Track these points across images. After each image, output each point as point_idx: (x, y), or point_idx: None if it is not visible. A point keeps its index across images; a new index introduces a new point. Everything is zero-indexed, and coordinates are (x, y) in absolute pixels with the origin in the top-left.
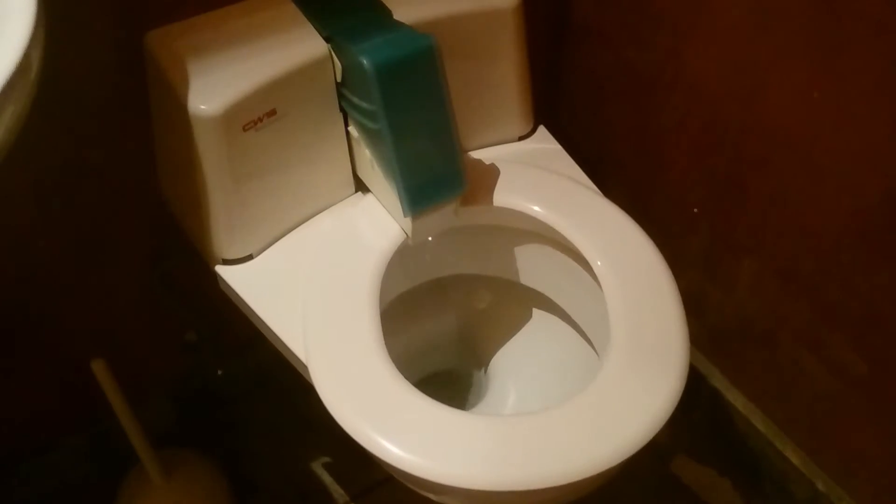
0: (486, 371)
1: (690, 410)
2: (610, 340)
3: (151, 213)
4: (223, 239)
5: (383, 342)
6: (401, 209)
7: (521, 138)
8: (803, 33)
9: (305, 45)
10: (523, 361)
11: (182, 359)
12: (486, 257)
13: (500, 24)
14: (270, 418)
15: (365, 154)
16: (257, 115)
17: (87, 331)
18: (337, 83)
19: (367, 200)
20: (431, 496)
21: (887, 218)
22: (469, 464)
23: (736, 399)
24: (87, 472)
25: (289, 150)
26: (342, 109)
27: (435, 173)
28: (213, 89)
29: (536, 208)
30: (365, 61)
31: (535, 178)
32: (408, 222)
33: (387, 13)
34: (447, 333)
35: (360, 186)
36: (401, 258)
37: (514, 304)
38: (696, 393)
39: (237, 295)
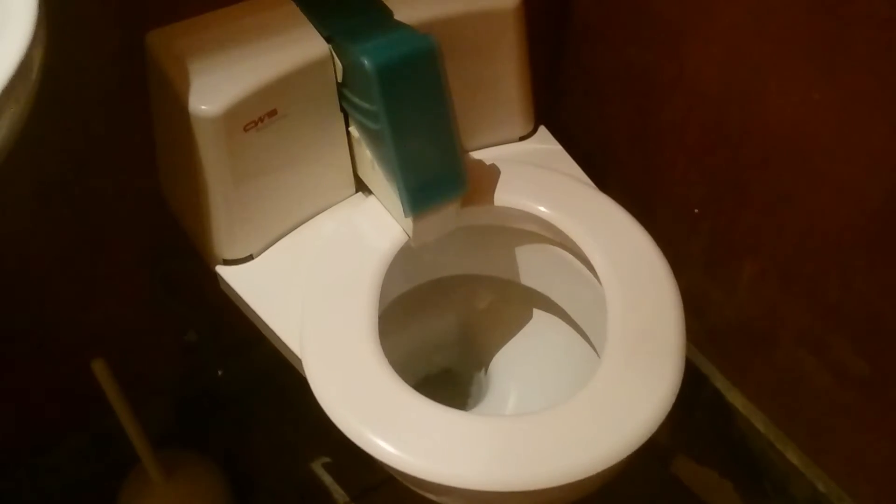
0: (486, 371)
1: (691, 411)
2: (607, 338)
3: (152, 213)
4: (223, 239)
5: (379, 343)
6: (402, 210)
7: (521, 138)
8: (804, 34)
9: (306, 46)
10: (524, 362)
11: (182, 359)
12: (486, 257)
13: (500, 25)
14: (271, 418)
15: (366, 154)
16: (258, 115)
17: (87, 331)
18: (338, 83)
19: (369, 201)
20: (432, 496)
21: (888, 219)
22: (467, 464)
23: (736, 400)
24: (87, 472)
25: (289, 150)
26: (343, 110)
27: (436, 174)
28: (213, 89)
29: (537, 207)
30: (366, 61)
31: (536, 178)
32: (409, 223)
33: (387, 13)
34: (448, 334)
35: (361, 187)
36: (401, 259)
37: (515, 304)
38: (696, 394)
39: (237, 295)
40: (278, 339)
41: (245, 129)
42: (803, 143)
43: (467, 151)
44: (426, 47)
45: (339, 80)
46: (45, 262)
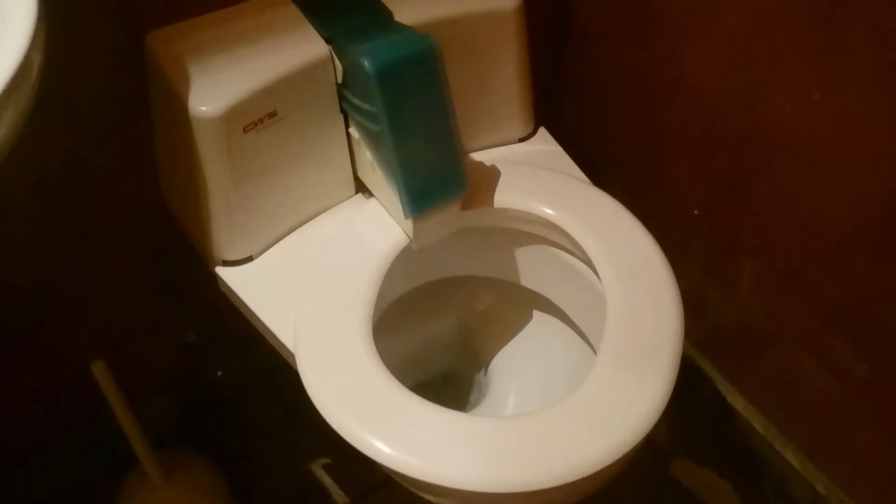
0: (486, 372)
1: (690, 412)
2: (603, 338)
3: (151, 214)
4: (223, 240)
5: (373, 343)
6: (402, 211)
7: (521, 140)
8: (804, 35)
9: (306, 47)
10: (523, 363)
11: (182, 360)
12: (486, 258)
13: (500, 26)
14: (270, 419)
15: (366, 155)
16: (258, 116)
17: (87, 332)
18: (338, 84)
19: (369, 202)
20: (430, 498)
21: (888, 220)
22: (463, 465)
23: (736, 401)
24: (86, 472)
25: (289, 151)
26: (343, 111)
27: (436, 175)
28: (213, 90)
29: (539, 207)
30: (366, 62)
31: (537, 178)
32: (409, 224)
33: (388, 14)
34: (447, 335)
35: (361, 188)
36: (401, 260)
37: (515, 305)
38: (696, 395)
39: (237, 296)
40: (277, 340)
41: (245, 131)
42: (804, 144)
43: (467, 153)
44: (426, 48)
45: (339, 81)
46: (44, 262)
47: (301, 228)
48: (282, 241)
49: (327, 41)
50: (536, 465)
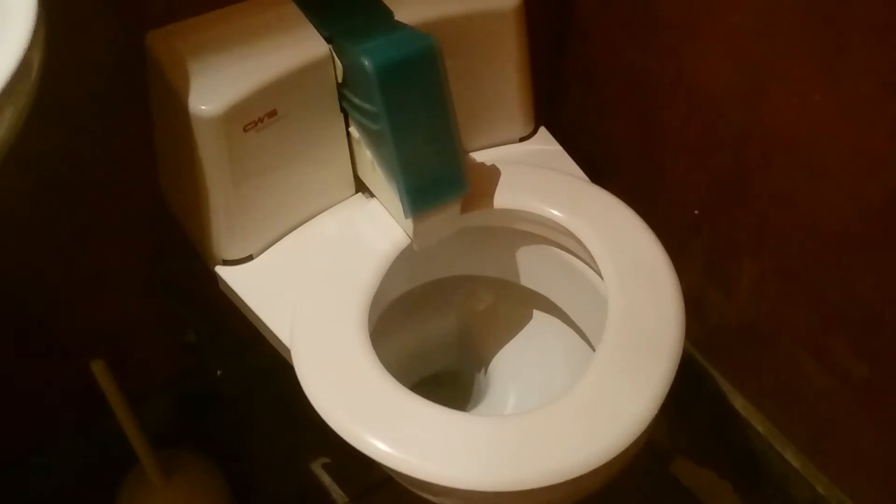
0: (486, 372)
1: (690, 412)
2: (603, 336)
3: (151, 214)
4: (223, 239)
5: (370, 342)
6: (402, 211)
7: (521, 139)
8: (804, 35)
9: (306, 46)
10: (523, 363)
11: (182, 359)
12: (486, 258)
13: (501, 25)
14: (270, 419)
15: (366, 155)
16: (258, 115)
17: (86, 331)
18: (338, 84)
19: (369, 202)
20: (429, 497)
21: (888, 220)
22: (459, 463)
23: (736, 401)
24: (86, 472)
25: (289, 150)
26: (343, 110)
27: (436, 174)
28: (213, 89)
29: (541, 207)
30: (366, 62)
31: (538, 178)
32: (409, 224)
33: (388, 14)
34: (447, 334)
35: (361, 187)
36: (401, 259)
37: (515, 305)
38: (696, 395)
39: (237, 296)
40: (277, 339)
41: (245, 130)
42: (804, 145)
43: (467, 152)
44: (426, 48)
45: (340, 80)
46: (44, 262)
47: (301, 228)
48: (282, 241)
49: (327, 40)
50: (533, 464)
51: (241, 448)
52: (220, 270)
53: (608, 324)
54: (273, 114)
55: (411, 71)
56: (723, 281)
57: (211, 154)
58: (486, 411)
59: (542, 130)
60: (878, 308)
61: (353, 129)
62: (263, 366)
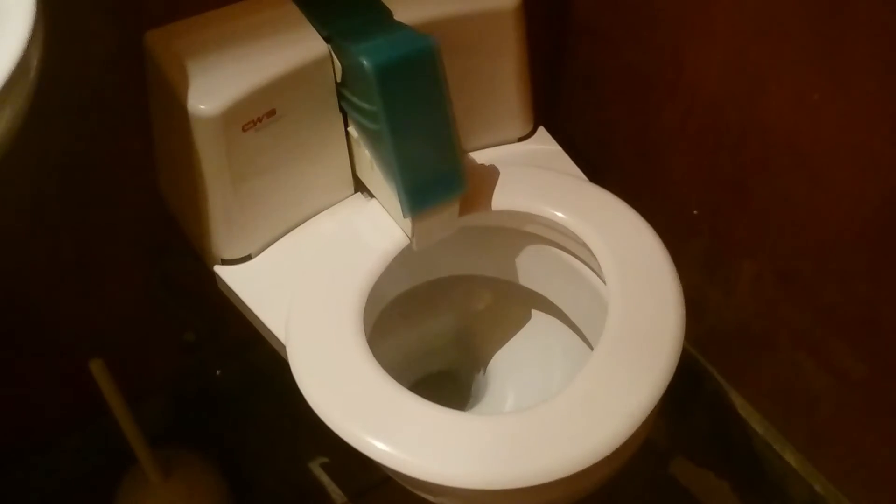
0: (484, 372)
1: (689, 412)
2: (602, 334)
3: (150, 213)
4: (222, 239)
5: (365, 340)
6: (401, 210)
7: (520, 139)
8: (804, 35)
9: (305, 46)
10: (522, 363)
11: (181, 359)
12: (485, 258)
13: (500, 25)
14: (269, 418)
15: (365, 154)
16: (257, 115)
17: (85, 330)
18: (337, 83)
19: (368, 202)
20: (428, 497)
21: (887, 220)
22: (457, 462)
23: (734, 401)
24: (84, 471)
25: (288, 150)
26: (342, 110)
27: (435, 174)
28: (212, 89)
29: (540, 207)
30: (365, 62)
31: (537, 178)
32: (408, 224)
33: (387, 13)
34: (446, 334)
35: (360, 187)
36: (399, 259)
37: (514, 305)
38: (694, 395)
39: (235, 295)
40: (276, 339)
41: (244, 129)
42: (802, 145)
43: (466, 152)
44: (426, 47)
45: (339, 80)
46: (43, 261)
47: (300, 227)
48: (280, 240)
49: (326, 40)
50: (530, 462)
51: (239, 447)
52: (219, 270)
53: (608, 321)
54: (272, 113)
55: (410, 71)
56: (722, 281)
57: (210, 154)
58: (485, 411)
59: (541, 130)
60: (876, 308)
61: (352, 129)
62: (262, 365)
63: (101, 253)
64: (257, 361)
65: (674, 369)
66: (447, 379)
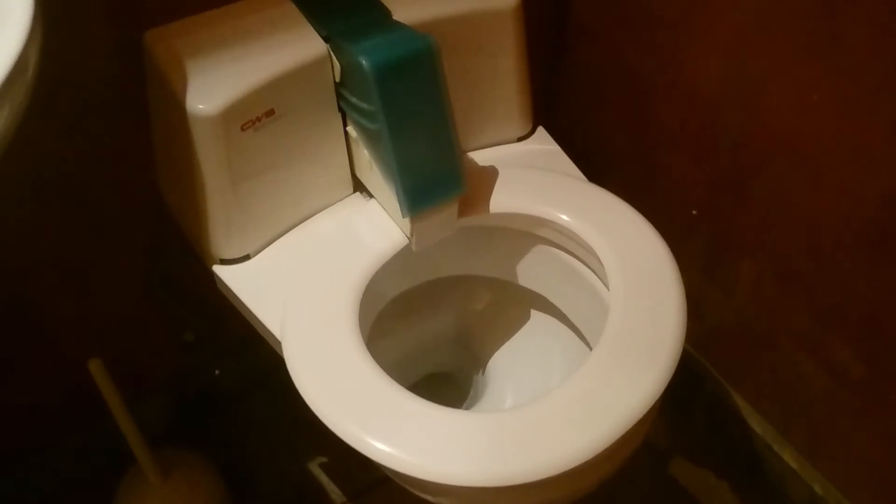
0: (483, 372)
1: (689, 412)
2: (603, 333)
3: (149, 213)
4: (220, 239)
5: (362, 339)
6: (400, 210)
7: (520, 139)
8: (803, 35)
9: (304, 45)
10: (521, 363)
11: (180, 358)
12: (484, 258)
13: (499, 25)
14: (268, 418)
15: (363, 154)
16: (255, 114)
17: (84, 330)
18: (336, 83)
19: (368, 202)
20: (428, 497)
21: (887, 220)
22: (453, 460)
23: (734, 401)
24: (84, 471)
25: (287, 150)
26: (341, 109)
27: (434, 174)
28: (211, 88)
29: (542, 209)
30: (364, 61)
31: (537, 179)
32: (407, 223)
33: (386, 13)
34: (445, 334)
35: (359, 187)
36: (398, 259)
37: (513, 305)
38: (694, 395)
39: (234, 295)
40: (274, 339)
41: (242, 129)
42: (802, 145)
43: (465, 152)
44: (424, 47)
45: (337, 79)
46: (42, 260)
47: (298, 227)
48: (279, 240)
49: (325, 40)
50: (528, 458)
51: (238, 447)
52: (218, 270)
53: (610, 320)
54: (271, 113)
55: (409, 70)
56: (721, 281)
57: (208, 153)
58: (484, 411)
59: (541, 130)
60: (876, 308)
61: (350, 129)
62: (261, 365)
63: (101, 253)
64: (256, 361)
65: (674, 368)
66: (446, 379)
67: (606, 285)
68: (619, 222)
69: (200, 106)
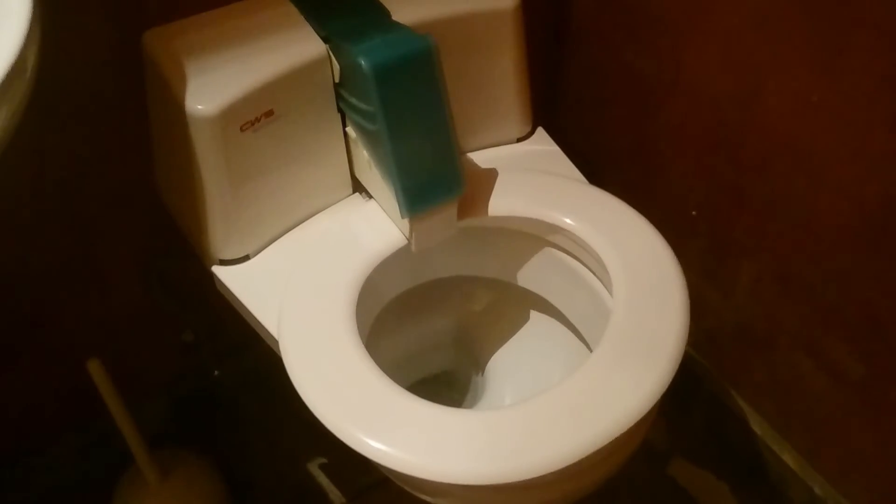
0: (482, 373)
1: (688, 413)
2: (605, 334)
3: (148, 213)
4: (220, 239)
5: (359, 336)
6: (399, 211)
7: (519, 140)
8: (802, 36)
9: (303, 46)
10: (520, 364)
11: (179, 359)
12: (484, 259)
13: (499, 25)
14: (267, 419)
15: (363, 155)
16: (255, 115)
17: (84, 330)
18: (335, 84)
19: (366, 202)
20: (427, 498)
21: (885, 221)
22: (448, 458)
23: (733, 402)
24: (82, 472)
25: (286, 150)
26: (340, 110)
27: (433, 174)
28: (210, 89)
29: (542, 211)
30: (363, 62)
31: (536, 181)
32: (406, 224)
33: (385, 14)
34: (444, 335)
35: (358, 187)
36: (397, 259)
37: (512, 306)
38: (693, 396)
39: (234, 296)
40: (273, 339)
41: (241, 130)
42: (801, 145)
43: (464, 152)
44: (423, 48)
45: (337, 80)
46: (41, 260)
47: (298, 228)
48: (279, 241)
49: (325, 40)
50: (526, 455)
51: (238, 448)
52: (217, 270)
53: (612, 321)
54: (270, 114)
55: (408, 71)
56: (721, 282)
57: (207, 154)
58: None
59: (540, 131)
60: (875, 308)
61: (349, 129)
62: (261, 366)
63: (99, 253)
64: (256, 362)
65: (675, 370)
66: (445, 380)
67: (607, 287)
68: (621, 224)
69: (199, 106)
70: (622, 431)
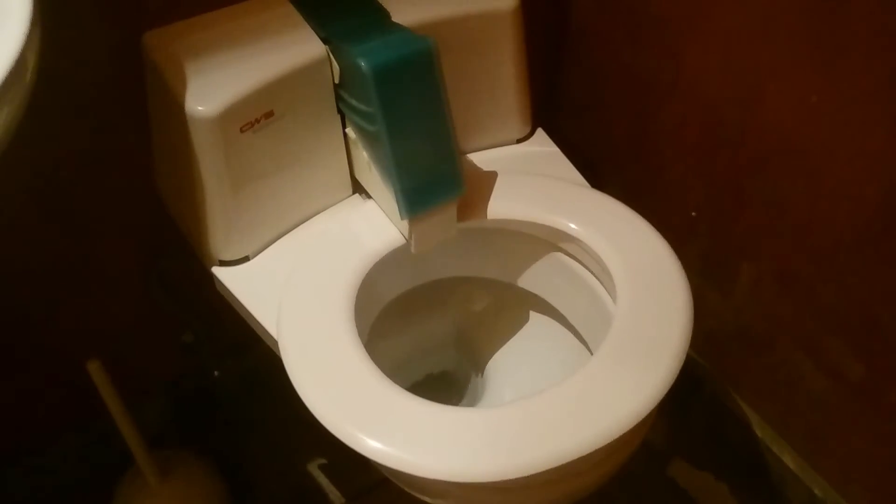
0: (482, 374)
1: (688, 414)
2: (607, 335)
3: (148, 214)
4: (220, 240)
5: (357, 336)
6: (398, 212)
7: (519, 141)
8: (802, 37)
9: (303, 47)
10: (520, 365)
11: (179, 360)
12: (484, 260)
13: (498, 26)
14: (267, 419)
15: (362, 156)
16: (255, 116)
17: (83, 331)
18: (335, 85)
19: (366, 203)
20: (426, 498)
21: (885, 221)
22: (450, 456)
23: (733, 403)
24: (82, 472)
25: (286, 151)
26: (340, 111)
27: (432, 175)
28: (210, 90)
29: (540, 212)
30: (362, 63)
31: (536, 183)
32: (405, 225)
33: (385, 15)
34: (444, 335)
35: (358, 188)
36: (397, 260)
37: (512, 306)
38: (693, 397)
39: (233, 296)
40: (273, 340)
41: (241, 131)
42: (801, 146)
43: (464, 153)
44: (423, 49)
45: (336, 81)
46: (41, 261)
47: (298, 228)
48: (279, 242)
49: (324, 41)
50: (526, 452)
51: (238, 449)
52: (217, 271)
53: (615, 323)
54: (270, 115)
55: (408, 72)
56: (720, 282)
57: (207, 155)
58: None
59: (540, 132)
60: (875, 309)
61: (349, 130)
62: (261, 366)
63: (99, 254)
64: (255, 363)
65: (677, 372)
66: (445, 381)
67: (608, 289)
68: (624, 227)
69: (199, 107)
70: (623, 431)
